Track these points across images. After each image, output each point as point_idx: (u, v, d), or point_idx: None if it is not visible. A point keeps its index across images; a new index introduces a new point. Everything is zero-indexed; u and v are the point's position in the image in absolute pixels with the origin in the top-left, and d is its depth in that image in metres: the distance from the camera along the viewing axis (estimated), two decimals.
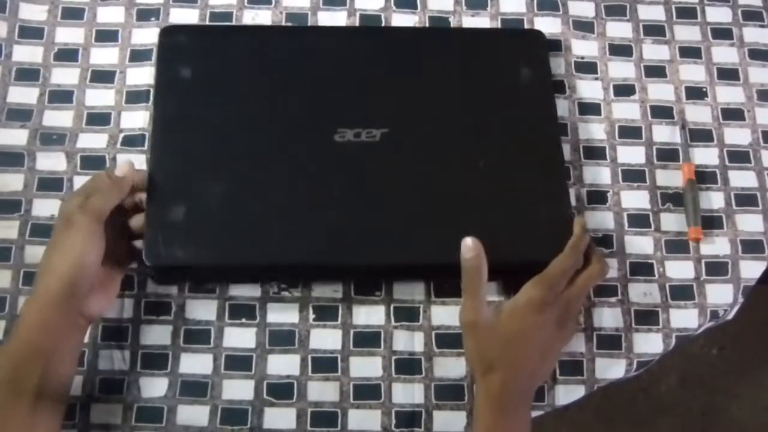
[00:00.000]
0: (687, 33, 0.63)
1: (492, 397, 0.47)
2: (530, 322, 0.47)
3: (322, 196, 0.52)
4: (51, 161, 0.57)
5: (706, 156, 0.59)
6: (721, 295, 0.56)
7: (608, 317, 0.55)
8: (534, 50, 0.58)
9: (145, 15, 0.61)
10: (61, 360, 0.45)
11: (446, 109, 0.55)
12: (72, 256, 0.44)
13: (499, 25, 0.62)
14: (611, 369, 0.54)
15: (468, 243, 0.47)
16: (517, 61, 0.56)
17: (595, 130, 0.59)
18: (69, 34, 0.61)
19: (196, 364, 0.52)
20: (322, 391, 0.52)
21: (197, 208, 0.50)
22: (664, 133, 0.60)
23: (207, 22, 0.61)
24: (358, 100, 0.55)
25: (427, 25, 0.62)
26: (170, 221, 0.49)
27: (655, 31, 0.63)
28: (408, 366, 0.53)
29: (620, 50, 0.62)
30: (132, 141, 0.57)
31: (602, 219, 0.57)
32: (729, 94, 0.61)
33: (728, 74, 0.62)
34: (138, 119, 0.58)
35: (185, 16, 0.61)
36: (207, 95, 0.54)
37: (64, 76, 0.59)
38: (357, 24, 0.62)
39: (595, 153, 0.59)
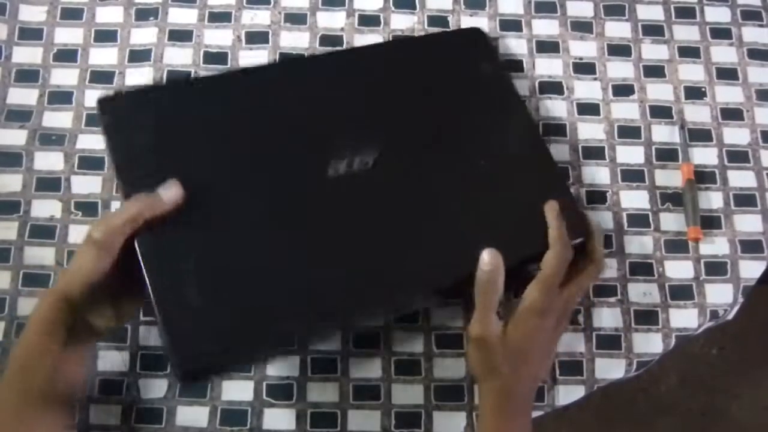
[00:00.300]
0: (686, 33, 0.63)
1: (496, 404, 0.47)
2: (532, 327, 0.47)
3: (334, 244, 0.46)
4: (49, 161, 0.57)
5: (705, 156, 0.59)
6: (720, 294, 0.56)
7: (608, 317, 0.55)
8: (480, 48, 0.56)
9: (144, 15, 0.61)
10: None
11: (423, 124, 0.51)
12: (82, 273, 0.42)
13: (498, 26, 0.62)
14: (611, 369, 0.54)
15: (485, 257, 0.45)
16: (471, 64, 0.55)
17: (594, 131, 0.59)
18: (68, 35, 0.61)
19: None
20: (322, 391, 0.52)
21: (209, 294, 0.43)
22: (664, 133, 0.60)
23: (206, 22, 0.61)
24: (339, 129, 0.50)
25: (426, 25, 0.62)
26: (187, 317, 0.42)
27: (654, 30, 0.63)
28: (408, 367, 0.53)
29: (619, 50, 0.62)
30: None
31: (602, 219, 0.57)
32: (728, 94, 0.61)
33: (727, 74, 0.62)
34: None
35: (184, 16, 0.61)
36: (175, 162, 0.47)
37: (64, 76, 0.59)
38: (356, 24, 0.62)
39: (594, 153, 0.59)
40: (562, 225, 0.48)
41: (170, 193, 0.44)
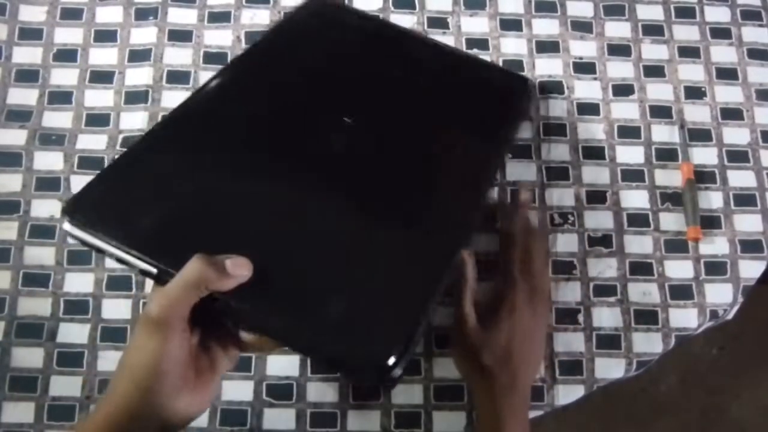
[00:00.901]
0: (686, 32, 0.63)
1: (493, 402, 0.47)
2: (509, 323, 0.48)
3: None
4: (49, 161, 0.57)
5: (705, 156, 0.59)
6: (720, 294, 0.56)
7: (607, 317, 0.55)
8: (516, 97, 0.56)
9: (144, 14, 0.61)
10: None
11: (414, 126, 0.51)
12: (148, 361, 0.35)
13: (498, 26, 0.62)
14: (611, 369, 0.54)
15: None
16: (493, 103, 0.54)
17: (594, 130, 0.59)
18: (68, 35, 0.61)
19: None
20: (322, 391, 0.52)
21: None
22: (663, 133, 0.60)
23: (205, 23, 0.61)
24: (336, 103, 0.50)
25: (425, 25, 0.62)
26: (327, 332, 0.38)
27: (653, 30, 0.63)
28: (408, 366, 0.53)
29: (619, 50, 0.62)
30: (131, 142, 0.57)
31: (601, 219, 0.57)
32: (728, 94, 0.61)
33: (727, 74, 0.62)
34: (137, 120, 0.58)
35: (184, 16, 0.61)
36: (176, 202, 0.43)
37: (64, 76, 0.59)
38: None
39: (594, 153, 0.59)
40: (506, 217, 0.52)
41: (240, 269, 0.37)
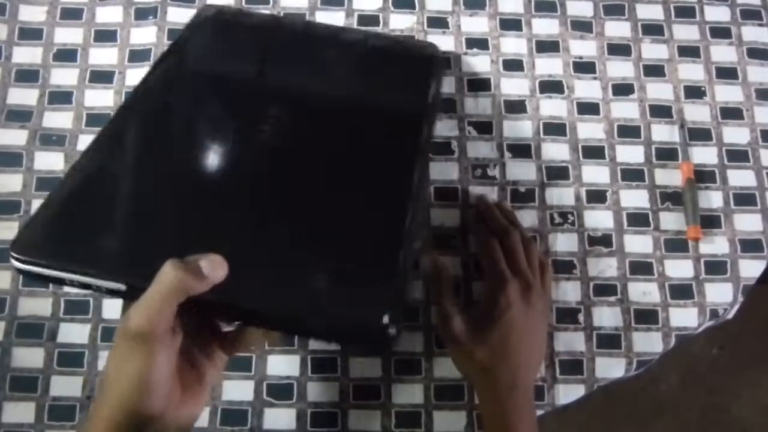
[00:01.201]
0: (686, 32, 0.63)
1: (496, 398, 0.47)
2: (505, 321, 0.48)
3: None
4: (49, 161, 0.57)
5: (705, 155, 0.59)
6: (720, 294, 0.56)
7: (608, 316, 0.55)
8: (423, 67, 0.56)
9: (143, 14, 0.61)
10: None
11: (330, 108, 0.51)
12: (132, 375, 0.33)
13: (498, 26, 0.62)
14: (611, 368, 0.54)
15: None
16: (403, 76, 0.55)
17: (593, 130, 0.59)
18: (68, 35, 0.61)
19: None
20: (322, 391, 0.52)
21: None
22: (663, 133, 0.60)
23: None
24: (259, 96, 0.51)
25: (425, 25, 0.62)
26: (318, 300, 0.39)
27: (653, 30, 0.63)
28: (408, 366, 0.53)
29: (619, 50, 0.62)
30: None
31: (601, 218, 0.57)
32: (728, 93, 0.61)
33: (727, 73, 0.62)
34: None
35: (183, 15, 0.61)
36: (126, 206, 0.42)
37: (64, 76, 0.59)
38: (355, 25, 0.62)
39: (594, 152, 0.59)
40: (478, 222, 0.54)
41: (216, 269, 0.35)
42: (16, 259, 0.38)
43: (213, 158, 0.46)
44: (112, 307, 0.53)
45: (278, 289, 0.38)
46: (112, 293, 0.37)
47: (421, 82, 0.54)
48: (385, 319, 0.36)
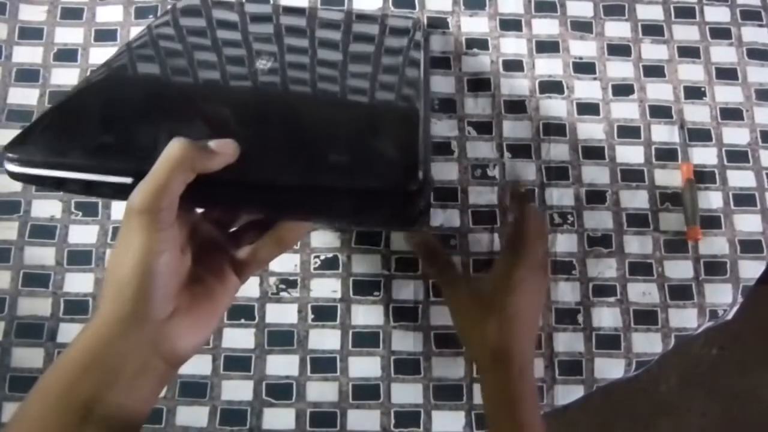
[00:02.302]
0: (685, 33, 0.63)
1: (507, 380, 0.45)
2: (524, 290, 0.47)
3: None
4: None
5: (704, 156, 0.59)
6: (720, 294, 0.56)
7: (607, 317, 0.55)
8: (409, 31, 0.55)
9: (143, 13, 0.61)
10: (125, 387, 0.31)
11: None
12: (135, 259, 0.30)
13: (498, 26, 0.62)
14: (610, 369, 0.54)
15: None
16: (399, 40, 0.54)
17: (593, 130, 0.59)
18: (68, 34, 0.61)
19: (194, 364, 0.52)
20: (321, 391, 0.52)
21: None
22: (663, 133, 0.60)
23: None
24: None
25: (425, 25, 0.62)
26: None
27: (653, 30, 0.63)
28: (407, 366, 0.53)
29: (619, 50, 0.62)
30: None
31: (601, 219, 0.57)
32: (727, 94, 0.61)
33: (727, 74, 0.62)
34: None
35: None
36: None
37: (64, 76, 0.59)
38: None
39: (593, 153, 0.59)
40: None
41: (225, 146, 0.33)
42: (13, 161, 0.35)
43: (223, 69, 0.45)
44: None
45: (302, 162, 0.36)
46: (117, 193, 0.34)
47: (412, 39, 0.53)
48: (420, 174, 0.34)
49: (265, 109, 0.42)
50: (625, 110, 0.60)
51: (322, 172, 0.35)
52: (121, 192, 0.33)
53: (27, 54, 0.60)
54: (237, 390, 0.52)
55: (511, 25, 0.62)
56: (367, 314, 0.54)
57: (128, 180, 0.34)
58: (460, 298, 0.49)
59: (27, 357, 0.52)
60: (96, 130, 0.38)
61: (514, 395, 0.44)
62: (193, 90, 0.43)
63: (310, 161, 0.36)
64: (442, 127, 0.59)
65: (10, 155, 0.35)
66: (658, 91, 0.61)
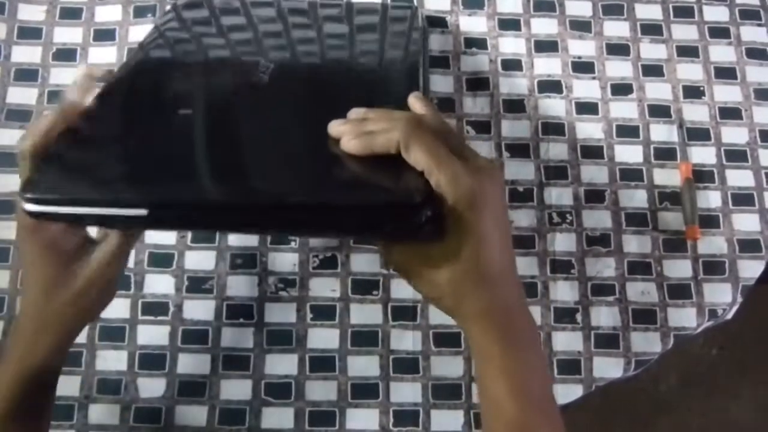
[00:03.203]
0: (684, 32, 0.63)
1: (491, 327, 0.36)
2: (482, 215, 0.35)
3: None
4: None
5: (703, 155, 0.59)
6: (719, 294, 0.56)
7: (606, 316, 0.55)
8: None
9: (142, 13, 0.61)
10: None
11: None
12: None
13: (497, 26, 0.62)
14: (609, 368, 0.54)
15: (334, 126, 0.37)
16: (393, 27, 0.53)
17: (592, 130, 0.59)
18: (67, 34, 0.61)
19: (194, 364, 0.52)
20: (320, 390, 0.52)
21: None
22: (662, 132, 0.60)
23: None
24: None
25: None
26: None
27: (652, 30, 0.63)
28: (406, 365, 0.53)
29: (617, 49, 0.62)
30: None
31: (600, 218, 0.57)
32: (726, 93, 0.61)
33: (726, 73, 0.62)
34: None
35: None
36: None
37: (63, 76, 0.59)
38: None
39: (592, 152, 0.59)
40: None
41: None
42: (30, 201, 0.36)
43: (219, 86, 0.46)
44: (110, 307, 0.53)
45: (305, 180, 0.37)
46: (134, 223, 0.36)
47: (411, 31, 0.53)
48: (424, 184, 0.34)
49: (268, 124, 0.42)
50: (624, 110, 0.60)
51: (327, 189, 0.36)
52: (138, 224, 0.36)
53: (26, 54, 0.60)
54: (236, 389, 0.52)
55: (509, 24, 0.62)
56: (366, 313, 0.54)
57: (143, 212, 0.35)
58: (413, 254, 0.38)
59: None
60: (108, 160, 0.39)
61: (518, 332, 0.37)
62: (198, 107, 0.43)
63: (312, 179, 0.37)
64: None
65: (27, 196, 0.37)
66: (657, 91, 0.61)
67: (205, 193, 0.36)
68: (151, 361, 0.52)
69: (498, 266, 0.36)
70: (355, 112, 0.38)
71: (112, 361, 0.52)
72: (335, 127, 0.37)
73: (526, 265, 0.56)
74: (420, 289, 0.39)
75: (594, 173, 0.58)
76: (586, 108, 0.60)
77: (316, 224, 0.36)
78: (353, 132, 0.36)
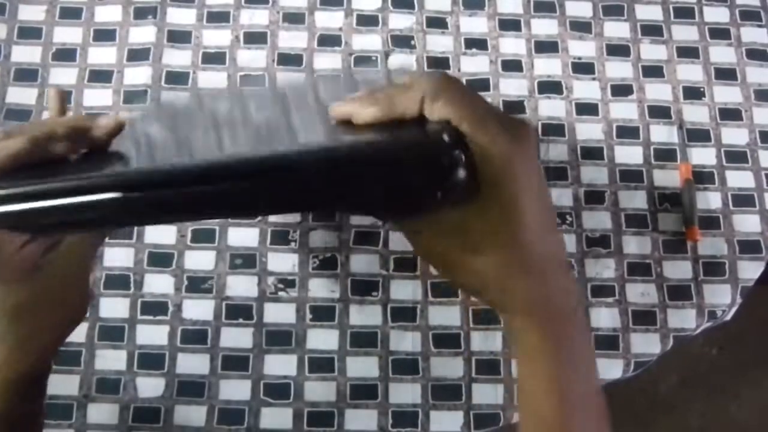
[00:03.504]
0: (684, 33, 0.63)
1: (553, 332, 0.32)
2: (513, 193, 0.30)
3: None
4: None
5: (703, 156, 0.59)
6: (718, 295, 0.56)
7: (606, 317, 0.55)
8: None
9: (142, 13, 0.61)
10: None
11: None
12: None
13: (497, 27, 0.62)
14: (609, 369, 0.54)
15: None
16: None
17: (592, 131, 0.59)
18: (67, 34, 0.61)
19: (193, 364, 0.52)
20: (319, 391, 0.52)
21: None
22: (662, 133, 0.60)
23: (204, 23, 0.61)
24: None
25: (424, 25, 0.62)
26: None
27: (652, 31, 0.63)
28: (405, 366, 0.53)
29: (618, 50, 0.62)
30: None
31: (600, 219, 0.57)
32: (726, 94, 0.61)
33: (726, 74, 0.62)
34: None
35: (182, 16, 0.61)
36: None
37: (63, 76, 0.59)
38: (354, 24, 0.62)
39: (592, 153, 0.59)
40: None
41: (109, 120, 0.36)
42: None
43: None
44: (109, 307, 0.54)
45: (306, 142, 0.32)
46: (107, 214, 0.30)
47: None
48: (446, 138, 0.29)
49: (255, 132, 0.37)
50: (624, 110, 0.60)
51: (337, 143, 0.32)
52: (111, 214, 0.30)
53: (26, 53, 0.60)
54: (235, 389, 0.52)
55: (510, 25, 0.62)
56: (365, 314, 0.54)
57: (117, 195, 0.29)
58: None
59: None
60: (75, 166, 0.35)
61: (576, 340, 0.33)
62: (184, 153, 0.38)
63: (318, 137, 0.33)
64: None
65: None
66: (657, 92, 0.61)
67: (191, 164, 0.31)
68: (151, 360, 0.52)
69: (546, 246, 0.31)
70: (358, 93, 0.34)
71: (111, 360, 0.52)
72: (340, 106, 0.33)
73: None
74: (458, 280, 0.33)
75: (594, 174, 0.58)
76: (586, 109, 0.60)
77: (328, 189, 0.29)
78: (366, 102, 0.32)
